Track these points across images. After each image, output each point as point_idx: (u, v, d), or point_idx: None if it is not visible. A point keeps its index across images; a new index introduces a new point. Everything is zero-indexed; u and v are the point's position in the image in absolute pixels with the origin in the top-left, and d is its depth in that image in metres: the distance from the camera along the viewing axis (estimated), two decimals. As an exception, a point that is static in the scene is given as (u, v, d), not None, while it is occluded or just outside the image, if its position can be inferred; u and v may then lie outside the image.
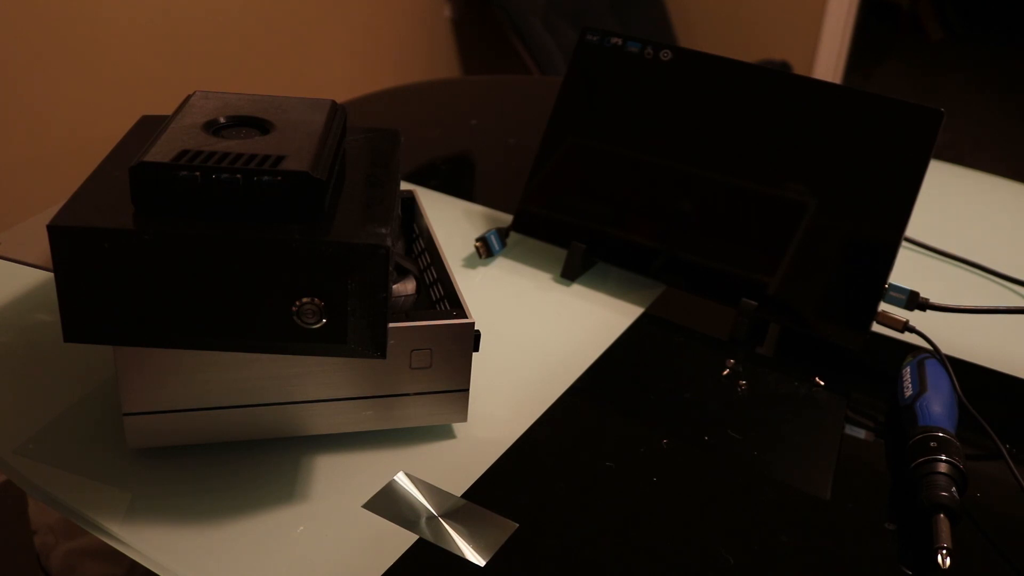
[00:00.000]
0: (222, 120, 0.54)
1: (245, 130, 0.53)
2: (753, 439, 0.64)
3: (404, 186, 0.86)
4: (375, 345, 0.50)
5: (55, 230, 0.46)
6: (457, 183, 1.01)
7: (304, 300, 0.48)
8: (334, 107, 0.57)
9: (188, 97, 0.57)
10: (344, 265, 0.47)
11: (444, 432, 0.62)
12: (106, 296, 0.47)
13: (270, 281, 0.48)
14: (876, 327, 0.72)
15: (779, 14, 2.64)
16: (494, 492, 0.58)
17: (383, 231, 0.48)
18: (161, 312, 0.48)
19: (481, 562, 0.53)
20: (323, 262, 0.47)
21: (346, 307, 0.48)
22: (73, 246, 0.46)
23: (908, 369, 0.68)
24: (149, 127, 0.60)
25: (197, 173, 0.47)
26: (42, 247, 0.64)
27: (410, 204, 0.74)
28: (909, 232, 0.77)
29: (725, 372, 0.71)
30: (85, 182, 0.51)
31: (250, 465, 0.58)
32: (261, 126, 0.54)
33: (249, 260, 0.47)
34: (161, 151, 0.49)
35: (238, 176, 0.47)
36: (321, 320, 0.48)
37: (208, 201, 0.48)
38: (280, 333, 0.49)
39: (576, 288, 0.81)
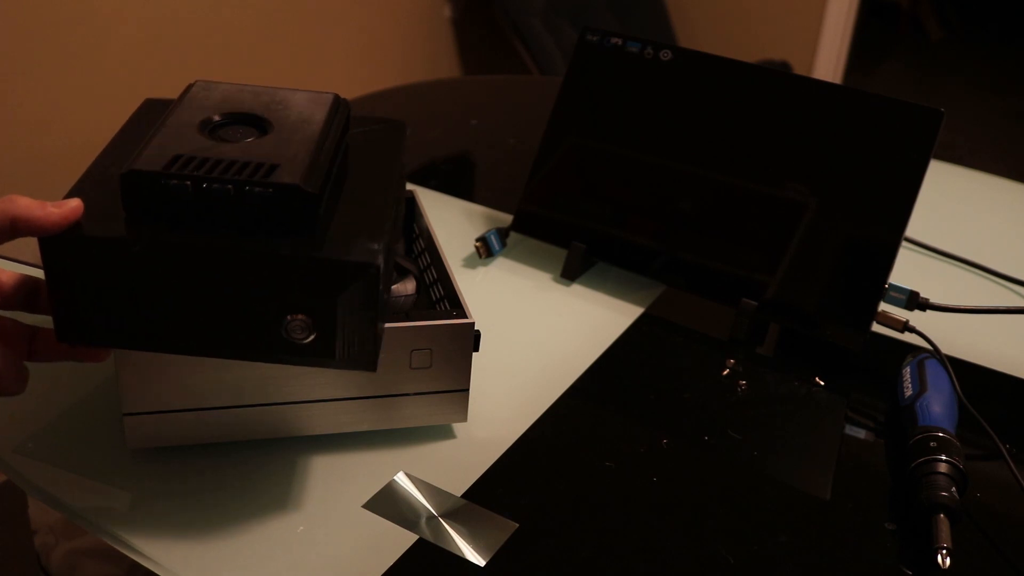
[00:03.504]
0: (220, 118, 0.52)
1: (243, 129, 0.52)
2: (753, 439, 0.64)
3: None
4: (365, 362, 0.49)
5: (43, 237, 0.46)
6: (457, 183, 1.01)
7: (292, 316, 0.47)
8: (336, 102, 0.56)
9: (189, 87, 0.56)
10: (333, 282, 0.46)
11: (444, 432, 0.62)
12: (96, 301, 0.47)
13: (257, 295, 0.47)
14: (876, 327, 0.72)
15: (779, 14, 2.64)
16: (494, 492, 0.58)
17: (375, 246, 0.47)
18: (150, 318, 0.48)
19: (481, 562, 0.53)
20: (311, 278, 0.46)
21: (335, 323, 0.47)
22: (61, 253, 0.46)
23: (908, 369, 0.68)
24: (154, 113, 0.58)
25: (188, 182, 0.46)
26: (42, 247, 0.64)
27: (410, 204, 0.74)
28: (909, 232, 0.77)
29: (725, 372, 0.71)
30: (81, 178, 0.50)
31: (250, 465, 0.58)
32: (259, 125, 0.52)
33: (236, 273, 0.46)
34: (153, 156, 0.48)
35: (229, 187, 0.46)
36: (310, 335, 0.48)
37: (199, 210, 0.47)
38: (268, 346, 0.48)
39: (576, 288, 0.81)
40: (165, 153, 0.48)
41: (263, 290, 0.47)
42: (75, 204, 0.46)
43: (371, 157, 0.57)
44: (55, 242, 0.46)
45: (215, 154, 0.48)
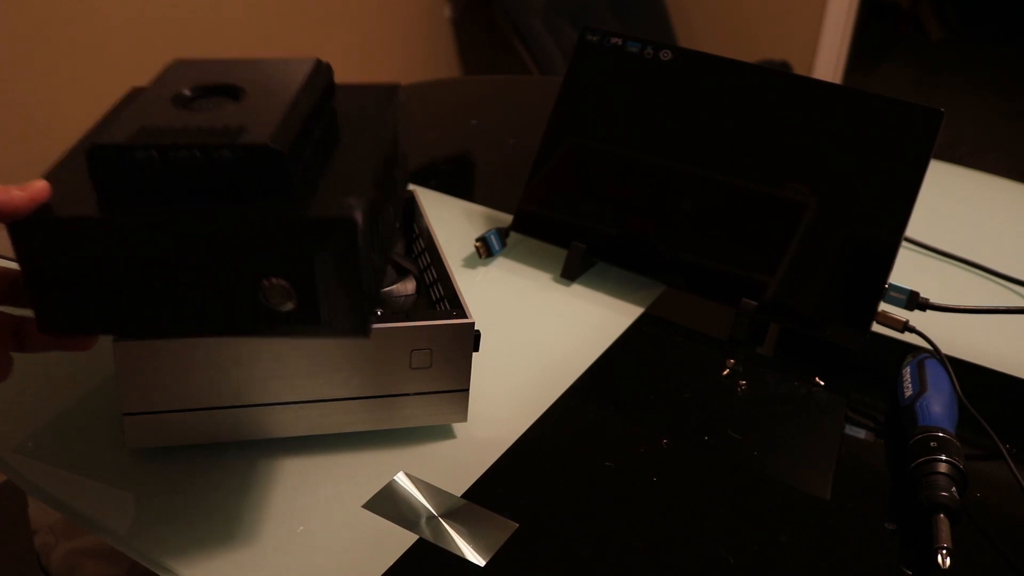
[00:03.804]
0: (193, 91, 0.50)
1: (217, 100, 0.50)
2: (753, 439, 0.64)
3: (404, 186, 0.86)
4: (355, 326, 0.47)
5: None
6: (457, 183, 1.01)
7: (269, 281, 0.45)
8: (317, 66, 0.53)
9: (167, 66, 0.54)
10: (308, 242, 0.44)
11: (444, 432, 0.62)
12: (71, 285, 0.46)
13: (234, 263, 0.45)
14: (876, 327, 0.72)
15: (779, 14, 2.65)
16: (494, 492, 0.58)
17: (352, 201, 0.44)
18: (130, 300, 0.46)
19: (481, 562, 0.53)
20: (286, 240, 0.44)
21: (315, 287, 0.45)
22: (30, 237, 0.45)
23: (908, 369, 0.68)
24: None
25: (154, 152, 0.44)
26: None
27: (410, 204, 0.74)
28: (909, 232, 0.77)
29: (725, 372, 0.71)
30: (56, 162, 0.49)
31: (250, 465, 0.58)
32: (234, 94, 0.50)
33: (209, 242, 0.44)
34: (120, 130, 0.46)
35: (196, 153, 0.44)
36: (291, 302, 0.45)
37: (169, 181, 0.45)
38: (252, 317, 0.46)
39: (576, 288, 0.81)
40: (132, 127, 0.46)
41: (239, 258, 0.45)
42: (41, 186, 0.44)
43: (361, 121, 0.55)
44: (23, 227, 0.44)
45: (183, 124, 0.46)
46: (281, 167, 0.45)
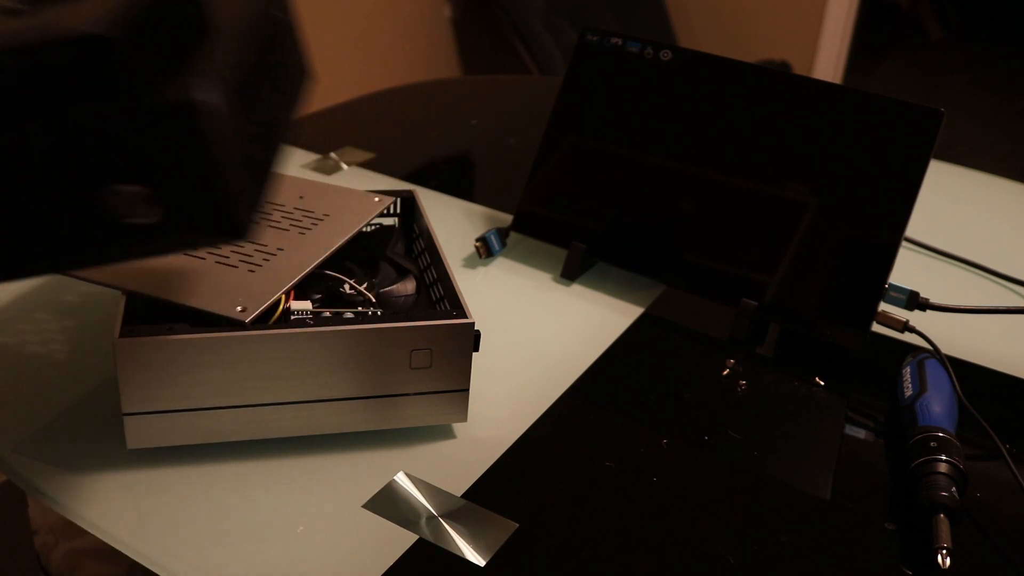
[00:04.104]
0: (26, 1, 0.44)
1: (54, 6, 0.43)
2: (753, 439, 0.64)
3: (404, 186, 0.86)
4: (225, 227, 0.42)
5: None
6: (457, 183, 1.01)
7: (121, 190, 0.40)
8: None
9: None
10: (151, 134, 0.39)
11: (444, 432, 0.62)
12: None
13: (76, 176, 0.40)
14: (876, 327, 0.72)
15: (779, 14, 2.65)
16: (494, 492, 0.58)
17: (193, 82, 0.39)
18: None
19: (481, 562, 0.53)
20: (126, 137, 0.39)
21: (170, 187, 0.40)
22: None
23: (908, 369, 0.68)
24: None
25: None
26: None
27: (410, 204, 0.74)
28: (909, 232, 0.77)
29: (725, 372, 0.71)
30: None
31: (250, 465, 0.58)
32: None
33: (42, 156, 0.39)
34: None
35: (22, 57, 0.39)
36: (143, 209, 0.41)
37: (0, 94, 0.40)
38: (112, 238, 0.41)
39: (576, 288, 0.81)
40: None
41: (83, 168, 0.40)
42: None
43: (233, 5, 0.49)
44: None
45: (8, 30, 0.41)
46: (117, 57, 0.39)
